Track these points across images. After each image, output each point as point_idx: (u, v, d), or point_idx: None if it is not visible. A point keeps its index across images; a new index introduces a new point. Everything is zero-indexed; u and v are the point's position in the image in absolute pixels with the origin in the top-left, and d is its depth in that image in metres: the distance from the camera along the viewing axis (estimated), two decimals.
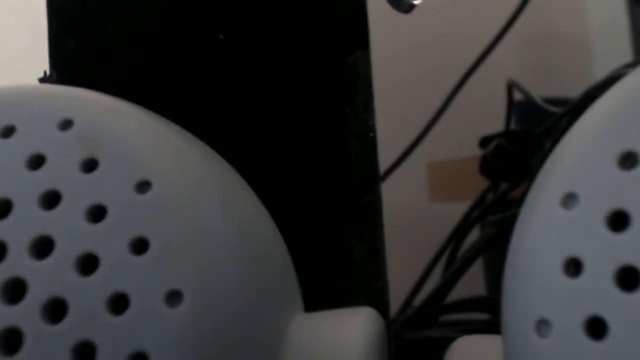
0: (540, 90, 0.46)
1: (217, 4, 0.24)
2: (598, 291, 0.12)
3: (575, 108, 0.38)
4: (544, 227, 0.13)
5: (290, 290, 0.15)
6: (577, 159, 0.13)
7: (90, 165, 0.14)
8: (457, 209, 0.47)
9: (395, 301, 0.40)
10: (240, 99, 0.24)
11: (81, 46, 0.24)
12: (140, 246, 0.13)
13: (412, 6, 0.26)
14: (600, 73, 0.50)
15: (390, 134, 0.36)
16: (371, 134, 0.27)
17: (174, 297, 0.13)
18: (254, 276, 0.14)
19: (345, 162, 0.26)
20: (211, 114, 0.24)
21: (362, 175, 0.26)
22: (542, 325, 0.12)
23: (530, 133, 0.40)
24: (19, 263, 0.13)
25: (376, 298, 0.26)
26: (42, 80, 0.24)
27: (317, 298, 0.18)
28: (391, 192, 0.36)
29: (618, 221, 0.12)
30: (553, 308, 0.12)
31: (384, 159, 0.29)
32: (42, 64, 0.25)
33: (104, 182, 0.14)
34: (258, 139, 0.24)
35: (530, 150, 0.39)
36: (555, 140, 0.31)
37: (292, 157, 0.25)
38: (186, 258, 0.13)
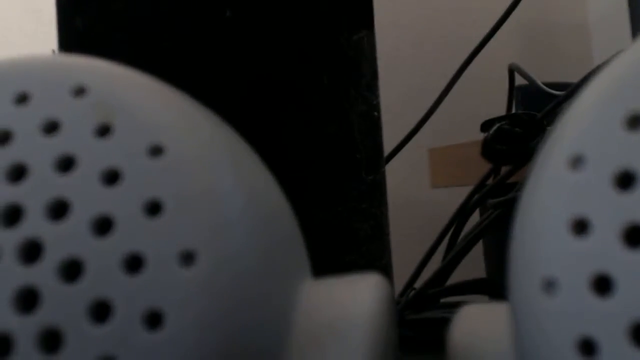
0: (541, 76, 0.46)
1: None
2: (605, 249, 0.12)
3: (576, 92, 0.38)
4: (552, 190, 0.13)
5: (299, 255, 0.16)
6: (585, 122, 0.13)
7: (104, 131, 0.14)
8: (459, 193, 0.47)
9: (398, 283, 0.40)
10: (247, 77, 0.24)
11: (89, 25, 0.25)
12: (154, 208, 0.13)
13: None
14: (600, 60, 0.50)
15: (391, 119, 0.36)
16: (375, 113, 0.27)
17: (188, 257, 0.13)
18: (264, 236, 0.14)
19: (350, 140, 0.26)
20: (218, 92, 0.24)
21: (367, 153, 0.26)
22: (550, 285, 0.13)
23: (531, 116, 0.40)
24: (36, 225, 0.13)
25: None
26: None
27: (322, 274, 0.18)
28: (393, 177, 0.37)
29: (625, 181, 0.12)
30: (560, 267, 0.12)
31: (386, 145, 0.29)
32: (45, 47, 0.25)
33: (118, 147, 0.14)
34: (263, 118, 0.24)
35: (531, 133, 0.39)
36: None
37: (297, 135, 0.25)
38: (199, 219, 0.13)
